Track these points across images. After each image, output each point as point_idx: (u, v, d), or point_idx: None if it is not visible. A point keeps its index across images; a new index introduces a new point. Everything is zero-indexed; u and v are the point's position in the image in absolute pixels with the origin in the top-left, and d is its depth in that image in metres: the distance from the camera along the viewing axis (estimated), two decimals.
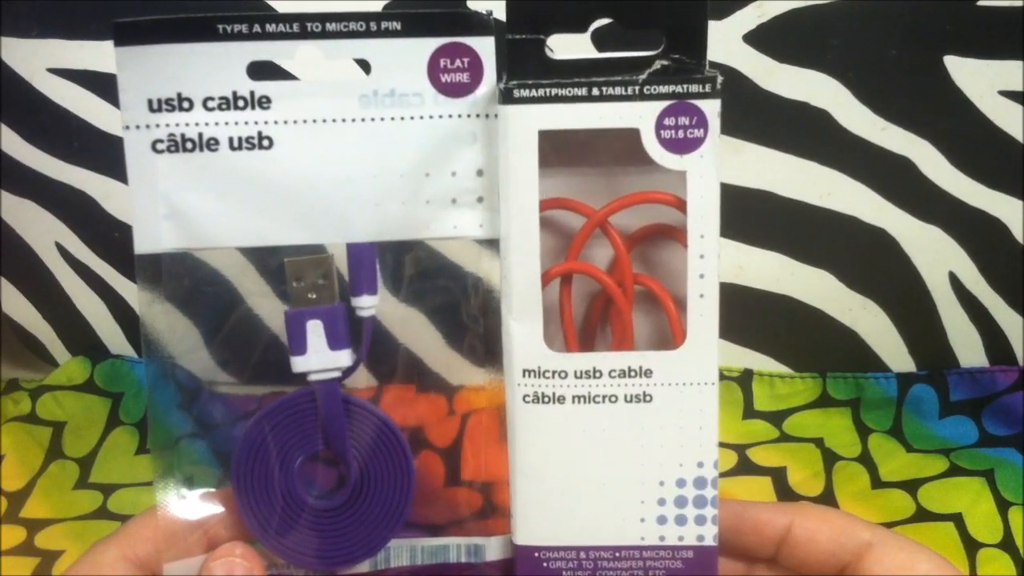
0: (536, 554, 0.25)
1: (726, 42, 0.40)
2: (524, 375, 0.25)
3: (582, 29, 0.24)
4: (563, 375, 0.25)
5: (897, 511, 0.41)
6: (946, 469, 0.42)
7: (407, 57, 0.25)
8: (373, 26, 0.25)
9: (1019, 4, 0.38)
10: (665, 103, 0.23)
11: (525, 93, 0.23)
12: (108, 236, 0.49)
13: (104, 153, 0.47)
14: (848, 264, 0.45)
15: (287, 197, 0.26)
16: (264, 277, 0.27)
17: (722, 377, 0.46)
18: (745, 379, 0.47)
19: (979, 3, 0.39)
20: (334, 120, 0.25)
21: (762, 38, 0.40)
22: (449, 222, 0.26)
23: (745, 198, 0.43)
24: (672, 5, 0.23)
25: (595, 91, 0.23)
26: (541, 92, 0.23)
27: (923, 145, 0.42)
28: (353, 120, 0.25)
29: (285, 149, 0.25)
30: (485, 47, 0.25)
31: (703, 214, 0.24)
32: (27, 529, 0.43)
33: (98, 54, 0.44)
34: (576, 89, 0.23)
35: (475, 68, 0.25)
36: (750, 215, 0.44)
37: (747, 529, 0.26)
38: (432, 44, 0.25)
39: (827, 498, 0.42)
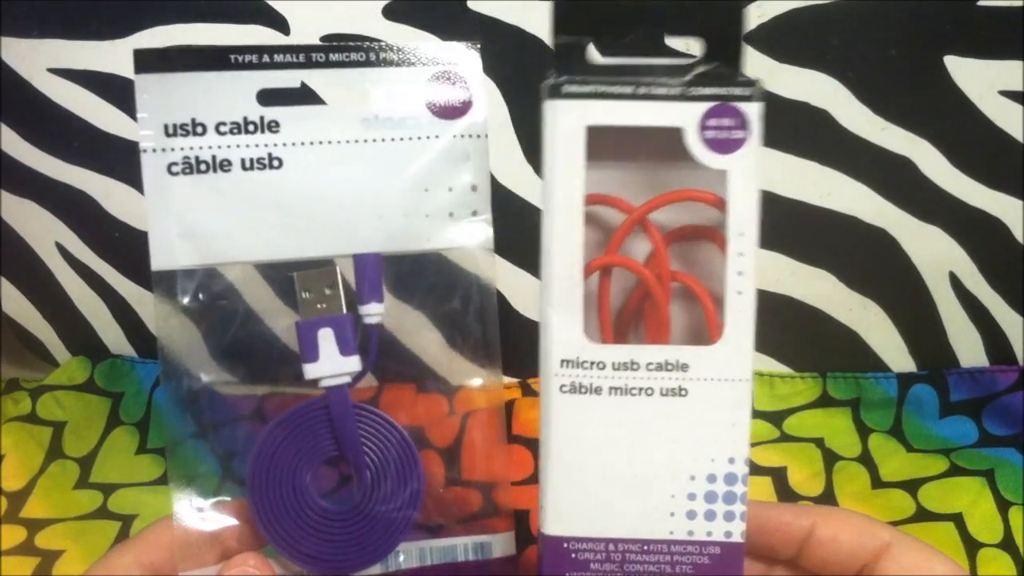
0: (565, 544, 0.25)
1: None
2: (562, 365, 0.25)
3: (624, 34, 0.25)
4: (601, 366, 0.25)
5: (897, 511, 0.41)
6: (946, 469, 0.42)
7: (405, 84, 0.27)
8: (373, 56, 0.27)
9: (1019, 4, 0.39)
10: (709, 104, 0.24)
11: (574, 89, 0.24)
12: (108, 236, 0.49)
13: (104, 153, 0.47)
14: (848, 264, 0.45)
15: (296, 213, 0.27)
16: (273, 290, 0.28)
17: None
18: None
19: (979, 3, 0.39)
20: (339, 141, 0.27)
21: (762, 38, 0.40)
22: (447, 234, 0.28)
23: None
24: (711, 15, 0.25)
25: (641, 90, 0.24)
26: (589, 88, 0.24)
27: (923, 145, 0.42)
28: (356, 141, 0.27)
29: (294, 169, 0.27)
30: (475, 74, 0.28)
31: (743, 212, 0.25)
32: (27, 529, 0.43)
33: (98, 54, 0.44)
34: (623, 87, 0.24)
35: (466, 93, 0.28)
36: None
37: (771, 530, 0.26)
38: (427, 72, 0.28)
39: (827, 498, 0.42)
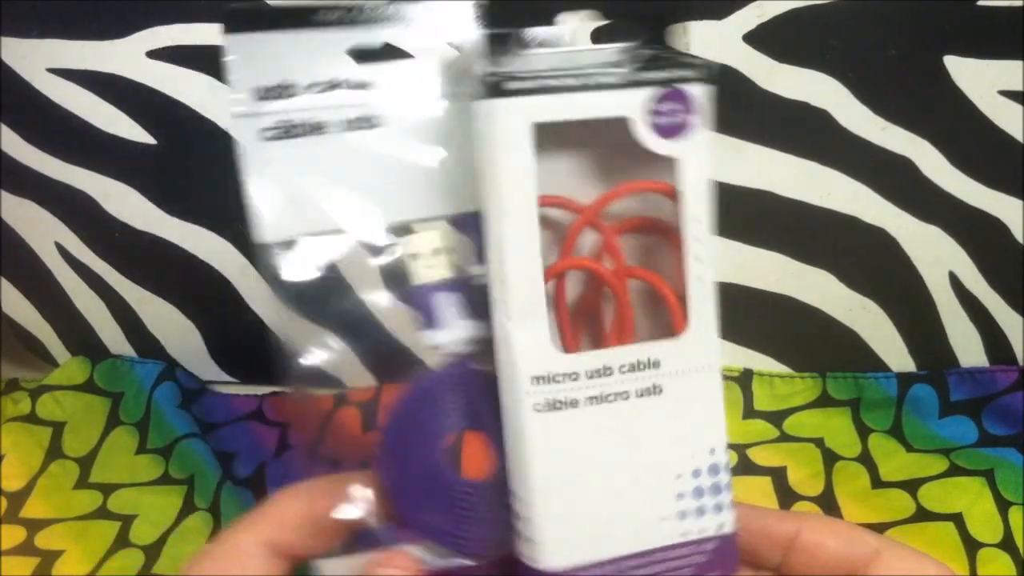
0: None
1: (726, 42, 0.40)
2: (534, 383, 0.23)
3: (550, 22, 0.24)
4: (574, 377, 0.23)
5: (897, 511, 0.41)
6: (946, 469, 0.42)
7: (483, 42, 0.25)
8: (453, 10, 0.25)
9: (1019, 4, 0.38)
10: (656, 89, 0.23)
11: (515, 85, 0.22)
12: (108, 236, 0.49)
13: (104, 153, 0.47)
14: (848, 264, 0.45)
15: (399, 174, 0.26)
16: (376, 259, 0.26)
17: (722, 377, 0.46)
18: (745, 379, 0.47)
19: (979, 3, 0.39)
20: (430, 97, 0.25)
21: (762, 38, 0.40)
22: None
23: (745, 198, 0.43)
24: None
25: (587, 80, 0.22)
26: (531, 84, 0.22)
27: (923, 145, 0.42)
28: (448, 95, 0.25)
29: (392, 127, 0.25)
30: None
31: (696, 198, 0.23)
32: (27, 529, 0.43)
33: (98, 54, 0.44)
34: (567, 79, 0.22)
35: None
36: (750, 215, 0.44)
37: (755, 532, 0.26)
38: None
39: (827, 498, 0.42)
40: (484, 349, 0.25)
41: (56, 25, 0.44)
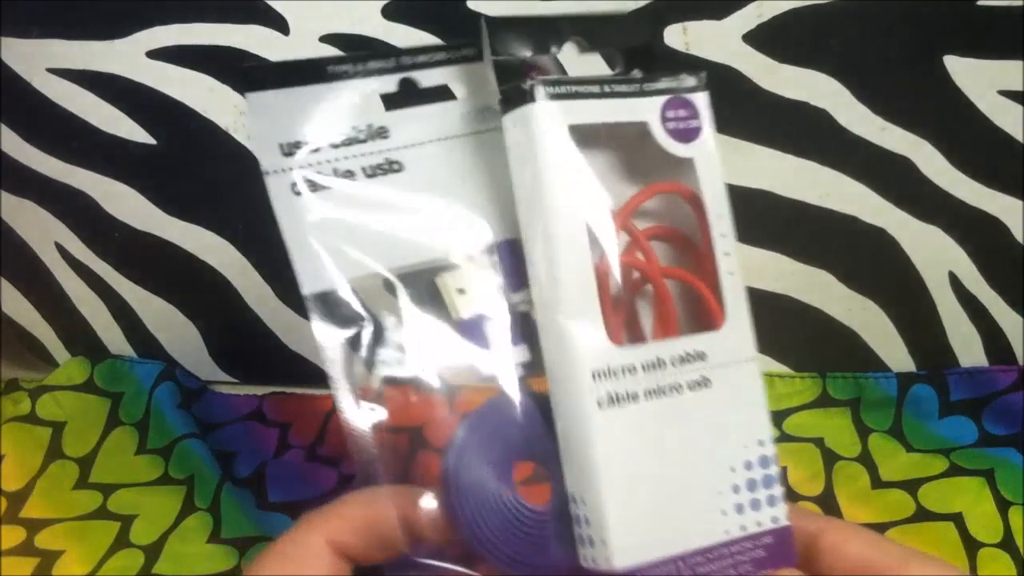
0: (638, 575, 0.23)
1: (726, 42, 0.40)
2: (595, 378, 0.23)
3: (548, 51, 0.26)
4: (632, 370, 0.23)
5: (897, 511, 0.41)
6: (946, 469, 0.42)
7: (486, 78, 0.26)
8: (454, 54, 0.27)
9: (1019, 4, 0.38)
10: (664, 98, 0.25)
11: (551, 90, 0.23)
12: (108, 236, 0.49)
13: (104, 153, 0.47)
14: (848, 264, 0.45)
15: (428, 213, 0.26)
16: (410, 296, 0.27)
17: None
18: None
19: (979, 3, 0.39)
20: (454, 136, 0.27)
21: (762, 38, 0.40)
22: None
23: (745, 198, 0.43)
24: (632, 31, 0.26)
25: (606, 88, 0.24)
26: (564, 89, 0.24)
27: (923, 145, 0.42)
28: (472, 134, 0.27)
29: (415, 170, 0.26)
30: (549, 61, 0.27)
31: (715, 196, 0.25)
32: (27, 529, 0.43)
33: (98, 54, 0.44)
34: (591, 86, 0.24)
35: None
36: (750, 215, 0.44)
37: None
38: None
39: (827, 498, 0.42)
40: (531, 372, 0.26)
41: (56, 25, 0.44)
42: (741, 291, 0.25)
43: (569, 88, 0.24)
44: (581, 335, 0.23)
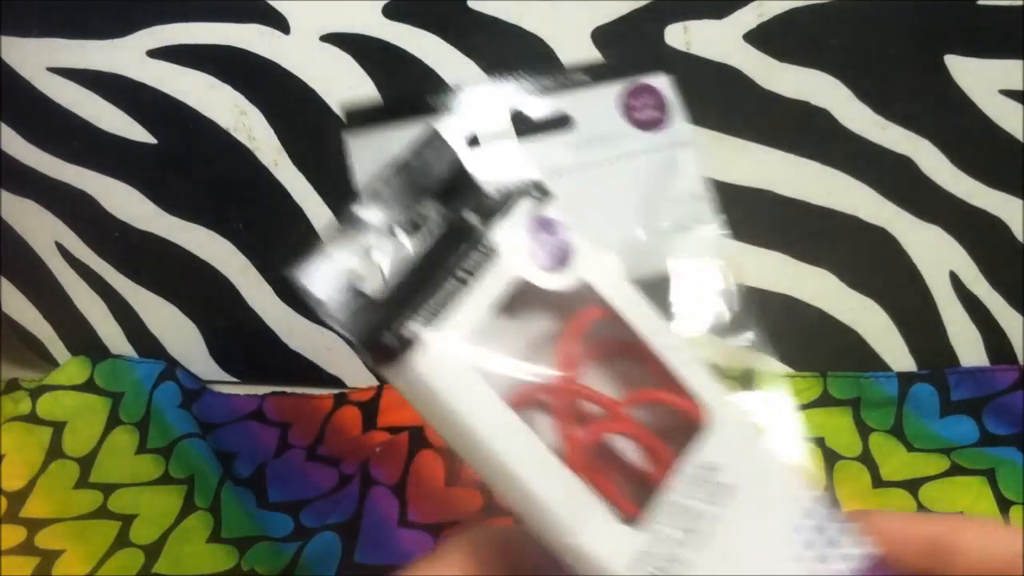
0: None
1: (726, 42, 0.40)
2: (633, 568, 0.20)
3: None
4: (662, 536, 0.20)
5: (898, 511, 0.41)
6: (947, 468, 0.42)
7: (601, 102, 0.26)
8: (563, 79, 0.26)
9: (1019, 4, 0.39)
10: (520, 233, 0.22)
11: (420, 326, 0.20)
12: (109, 235, 0.49)
13: (104, 153, 0.47)
14: (848, 264, 0.45)
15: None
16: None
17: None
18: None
19: (979, 3, 0.39)
20: (556, 172, 0.26)
21: (762, 38, 0.40)
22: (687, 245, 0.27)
23: (745, 198, 0.43)
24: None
25: (459, 274, 0.21)
26: (427, 316, 0.20)
27: (923, 144, 0.42)
28: (571, 168, 0.26)
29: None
30: (663, 84, 0.27)
31: (622, 296, 0.22)
32: (27, 529, 0.43)
33: (98, 53, 0.44)
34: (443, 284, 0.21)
35: (660, 102, 0.27)
36: (750, 215, 0.44)
37: (899, 541, 0.23)
38: (619, 87, 0.27)
39: (828, 498, 0.42)
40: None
41: (56, 25, 0.44)
42: (701, 366, 0.22)
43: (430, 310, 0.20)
44: (597, 542, 0.20)
